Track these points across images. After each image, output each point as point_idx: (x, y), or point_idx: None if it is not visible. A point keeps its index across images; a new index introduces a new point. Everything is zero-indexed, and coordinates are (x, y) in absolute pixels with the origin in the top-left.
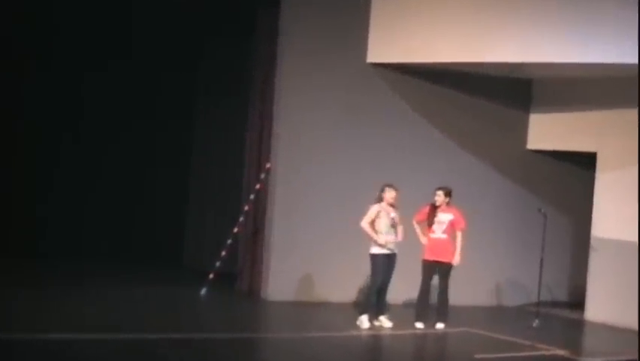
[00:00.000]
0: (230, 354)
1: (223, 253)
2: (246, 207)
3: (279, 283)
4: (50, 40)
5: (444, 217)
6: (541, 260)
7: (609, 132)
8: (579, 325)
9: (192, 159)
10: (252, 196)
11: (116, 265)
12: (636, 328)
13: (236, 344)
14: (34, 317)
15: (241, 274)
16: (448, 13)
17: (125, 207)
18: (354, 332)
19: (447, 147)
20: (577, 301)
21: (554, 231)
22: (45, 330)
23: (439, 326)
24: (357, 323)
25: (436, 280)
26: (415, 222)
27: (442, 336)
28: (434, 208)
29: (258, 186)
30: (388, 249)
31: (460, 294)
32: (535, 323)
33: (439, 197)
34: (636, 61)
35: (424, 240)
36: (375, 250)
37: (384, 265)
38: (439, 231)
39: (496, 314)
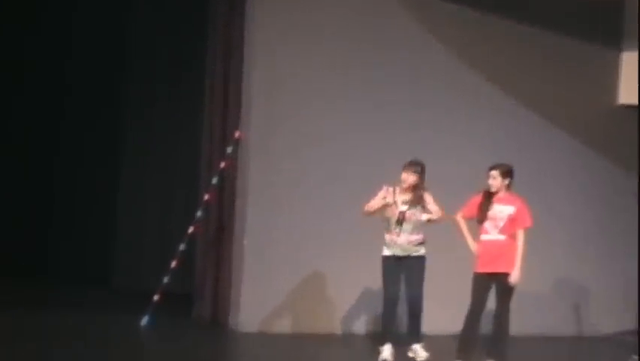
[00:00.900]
0: None
1: (173, 264)
2: (206, 197)
3: (255, 307)
4: None
5: (502, 210)
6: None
7: None
8: None
9: (124, 147)
10: (214, 180)
11: (29, 286)
12: None
13: None
14: None
15: (200, 295)
16: None
17: (40, 215)
18: None
19: (500, 107)
20: None
21: None
22: None
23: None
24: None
25: (491, 301)
26: (459, 219)
27: None
28: (489, 197)
29: (222, 165)
30: (392, 250)
31: (523, 320)
32: (635, 359)
33: (495, 180)
34: None
35: (473, 245)
36: (384, 249)
37: (389, 272)
38: (493, 230)
39: (576, 348)
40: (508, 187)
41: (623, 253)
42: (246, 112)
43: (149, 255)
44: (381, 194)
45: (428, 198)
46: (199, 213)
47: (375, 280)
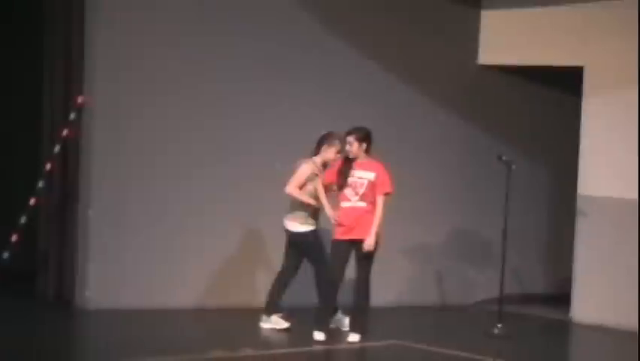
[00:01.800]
0: None
1: (14, 238)
2: (48, 166)
3: (103, 282)
4: None
5: (361, 176)
6: (504, 233)
7: (603, 36)
8: (562, 329)
9: None
10: (56, 148)
11: None
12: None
13: None
14: None
15: (43, 271)
16: None
17: None
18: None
19: (357, 69)
20: (558, 294)
21: (523, 189)
22: None
23: (353, 338)
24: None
25: (350, 270)
26: (320, 187)
27: (358, 354)
28: (348, 163)
29: (65, 133)
30: (312, 224)
31: (385, 290)
32: (497, 328)
33: (352, 145)
34: None
35: (332, 212)
36: (305, 227)
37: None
38: (353, 197)
39: (439, 318)
40: (367, 152)
41: (490, 215)
42: (90, 76)
43: None
44: (305, 169)
45: None
46: (40, 184)
47: (232, 251)
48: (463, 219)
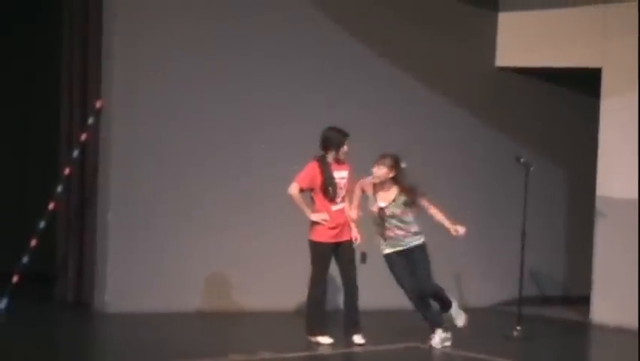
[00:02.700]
0: None
1: (33, 242)
2: (67, 171)
3: (122, 286)
4: None
5: (340, 176)
6: (523, 234)
7: (621, 37)
8: (582, 331)
9: None
10: (75, 153)
11: None
12: None
13: None
14: None
15: (62, 275)
16: None
17: None
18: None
19: (375, 71)
20: (578, 296)
21: (541, 190)
22: None
23: (358, 339)
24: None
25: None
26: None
27: (377, 357)
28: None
29: (83, 137)
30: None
31: (402, 293)
32: (517, 330)
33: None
34: None
35: (314, 215)
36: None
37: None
38: (339, 198)
39: None
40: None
41: (506, 220)
42: (107, 80)
43: (4, 233)
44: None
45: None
46: (59, 188)
47: (245, 256)
48: (481, 220)
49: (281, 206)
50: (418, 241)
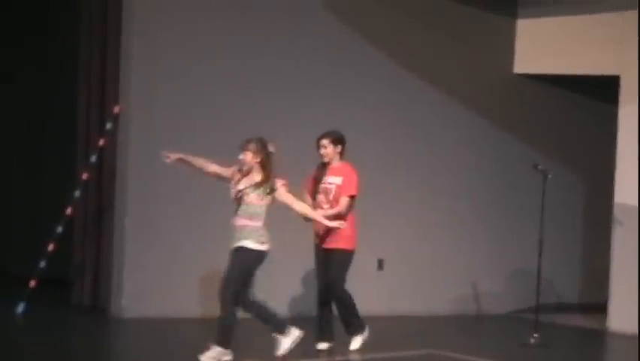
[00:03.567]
0: None
1: (50, 247)
2: (85, 176)
3: (138, 291)
4: None
5: (332, 181)
6: (540, 242)
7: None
8: (599, 339)
9: None
10: (93, 158)
11: None
12: None
13: None
14: None
15: (79, 280)
16: None
17: None
18: None
19: (394, 77)
20: (595, 304)
21: (558, 197)
22: None
23: (354, 344)
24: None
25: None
26: (307, 195)
27: None
28: (323, 169)
29: (101, 142)
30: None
31: (420, 300)
32: (533, 338)
33: (326, 148)
34: None
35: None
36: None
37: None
38: (325, 204)
39: (475, 328)
40: (341, 156)
41: (525, 223)
42: (125, 85)
43: (21, 238)
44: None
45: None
46: (77, 193)
47: (267, 262)
48: (498, 227)
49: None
50: (245, 243)
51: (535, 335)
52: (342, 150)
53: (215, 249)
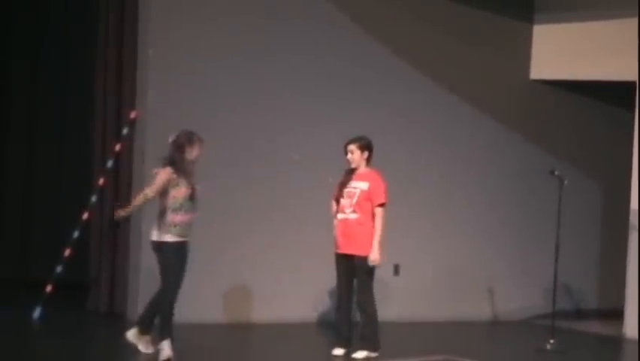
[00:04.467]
0: None
1: (66, 252)
2: (101, 181)
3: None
4: None
5: (356, 186)
6: (557, 248)
7: None
8: (615, 345)
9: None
10: (109, 163)
11: None
12: None
13: None
14: None
15: (96, 285)
16: None
17: None
18: None
19: (410, 83)
20: (611, 310)
21: (575, 203)
22: None
23: (359, 355)
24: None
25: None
26: (332, 201)
27: None
28: (349, 174)
29: (118, 148)
30: (180, 235)
31: (436, 306)
32: (550, 344)
33: (353, 154)
34: None
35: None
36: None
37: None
38: (348, 208)
39: (491, 333)
40: (368, 162)
41: (539, 233)
42: (142, 90)
43: (38, 243)
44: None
45: None
46: (93, 199)
47: (286, 266)
48: (515, 233)
49: (317, 218)
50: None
51: (552, 341)
52: (369, 156)
53: (232, 253)
